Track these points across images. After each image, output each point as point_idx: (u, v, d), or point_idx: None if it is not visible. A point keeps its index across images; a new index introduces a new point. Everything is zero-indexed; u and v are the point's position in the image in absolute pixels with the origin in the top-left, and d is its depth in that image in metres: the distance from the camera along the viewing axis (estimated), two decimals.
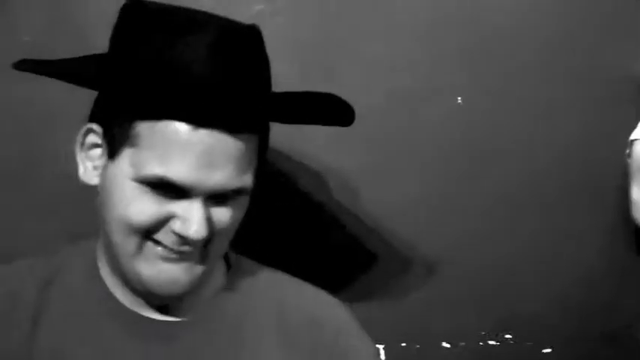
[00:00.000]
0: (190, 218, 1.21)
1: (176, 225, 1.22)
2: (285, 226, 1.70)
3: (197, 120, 1.16)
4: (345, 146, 1.68)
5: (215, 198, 1.23)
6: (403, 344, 1.74)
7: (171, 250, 1.24)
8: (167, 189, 1.20)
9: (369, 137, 1.67)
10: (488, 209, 1.75)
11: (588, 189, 1.78)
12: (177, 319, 1.36)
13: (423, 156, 1.71)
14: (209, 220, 1.23)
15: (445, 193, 1.73)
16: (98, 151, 1.29)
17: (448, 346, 1.74)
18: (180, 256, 1.25)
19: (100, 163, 1.28)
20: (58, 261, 1.40)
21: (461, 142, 1.71)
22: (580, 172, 1.76)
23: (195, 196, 1.21)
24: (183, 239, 1.22)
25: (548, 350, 1.77)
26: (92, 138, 1.29)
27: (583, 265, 1.80)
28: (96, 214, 1.29)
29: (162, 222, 1.23)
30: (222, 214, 1.25)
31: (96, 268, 1.37)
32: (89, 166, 1.31)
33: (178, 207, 1.22)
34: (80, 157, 1.31)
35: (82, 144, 1.30)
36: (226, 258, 1.44)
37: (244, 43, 1.25)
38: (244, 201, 1.28)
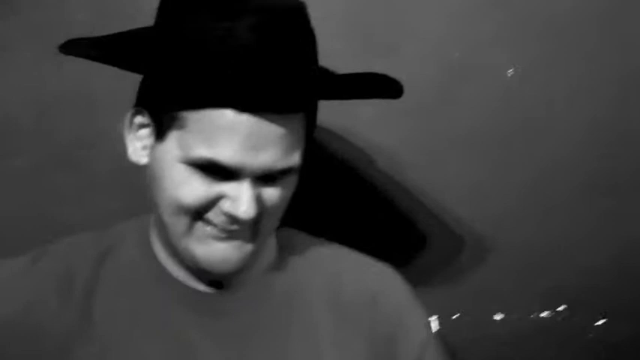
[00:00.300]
0: (239, 199, 1.22)
1: (225, 205, 1.23)
2: (334, 203, 1.72)
3: (244, 106, 1.17)
4: (392, 122, 1.67)
5: (263, 178, 1.23)
6: (456, 316, 1.75)
7: (221, 229, 1.25)
8: (215, 171, 1.21)
9: (416, 113, 1.66)
10: (538, 182, 1.74)
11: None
12: (230, 294, 1.39)
13: (472, 131, 1.71)
14: (258, 200, 1.23)
15: (495, 166, 1.73)
16: (146, 131, 1.30)
17: (501, 317, 1.73)
18: (231, 235, 1.26)
19: (148, 142, 1.30)
20: (112, 236, 1.43)
21: (511, 116, 1.70)
22: (627, 146, 1.72)
23: (243, 177, 1.22)
24: (232, 219, 1.24)
25: (602, 321, 1.76)
26: (140, 119, 1.30)
27: (634, 236, 1.75)
28: (147, 192, 1.31)
29: (212, 202, 1.24)
30: (271, 194, 1.26)
31: (149, 243, 1.40)
32: (138, 145, 1.32)
33: (227, 188, 1.23)
34: (129, 137, 1.33)
35: (130, 125, 1.31)
36: (278, 232, 1.45)
37: (289, 23, 1.24)
38: (293, 180, 1.29)
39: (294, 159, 1.25)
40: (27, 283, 1.35)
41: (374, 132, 1.69)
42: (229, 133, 1.19)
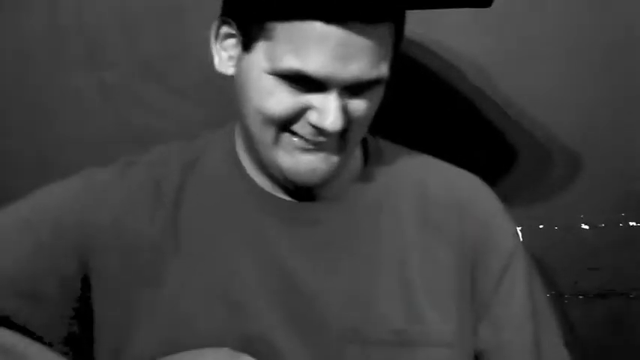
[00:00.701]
0: (326, 110, 1.23)
1: (312, 117, 1.24)
2: (421, 114, 1.73)
3: (333, 16, 1.16)
4: (478, 32, 1.67)
5: (350, 89, 1.23)
6: (541, 226, 1.74)
7: (307, 140, 1.27)
8: (303, 82, 1.22)
9: (505, 20, 1.66)
10: (629, 89, 1.73)
11: None
12: (318, 204, 1.41)
13: (560, 38, 1.69)
14: (344, 112, 1.24)
15: (584, 74, 1.71)
16: (232, 41, 1.31)
17: (587, 227, 1.72)
18: (318, 147, 1.28)
19: (234, 53, 1.31)
20: (198, 146, 1.46)
21: (603, 23, 1.67)
22: None
23: (331, 88, 1.22)
24: (319, 131, 1.25)
25: None
26: (226, 29, 1.31)
27: None
28: (235, 103, 1.32)
29: (299, 114, 1.25)
30: (358, 105, 1.26)
31: (235, 153, 1.43)
32: (224, 56, 1.33)
33: (314, 99, 1.24)
34: (215, 48, 1.34)
35: (217, 35, 1.32)
36: (364, 142, 1.46)
37: None
38: (379, 91, 1.28)
39: (382, 70, 1.24)
40: (117, 192, 1.40)
41: (462, 42, 1.68)
42: (318, 43, 1.18)
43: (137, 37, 1.71)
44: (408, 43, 1.58)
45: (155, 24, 1.70)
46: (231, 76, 1.32)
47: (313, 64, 1.20)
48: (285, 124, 1.27)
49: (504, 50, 1.68)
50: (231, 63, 1.32)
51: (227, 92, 1.35)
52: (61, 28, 1.72)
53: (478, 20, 1.64)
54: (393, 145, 1.47)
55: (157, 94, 1.74)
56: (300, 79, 1.21)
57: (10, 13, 1.73)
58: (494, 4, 1.19)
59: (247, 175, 1.40)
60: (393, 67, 1.25)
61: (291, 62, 1.20)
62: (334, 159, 1.30)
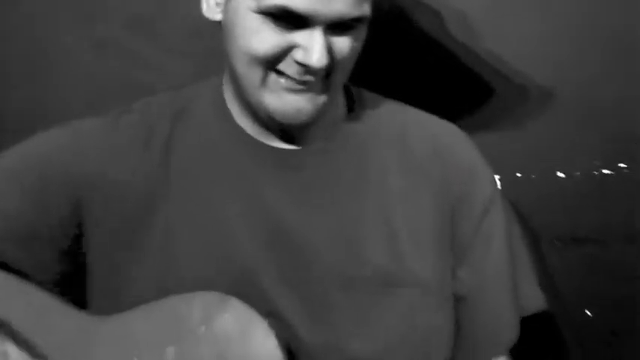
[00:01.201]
0: (311, 47, 1.26)
1: (298, 54, 1.27)
2: (402, 63, 1.78)
3: None
4: None
5: (334, 28, 1.26)
6: (519, 174, 1.79)
7: (293, 80, 1.30)
8: (288, 19, 1.24)
9: None
10: (606, 43, 1.75)
11: None
12: (303, 149, 1.45)
13: None
14: (329, 50, 1.27)
15: (558, 34, 1.77)
16: None
17: (563, 175, 1.77)
18: (304, 88, 1.31)
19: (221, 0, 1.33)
20: (186, 96, 1.50)
21: None
22: None
23: (315, 25, 1.25)
24: (305, 69, 1.28)
25: None
26: None
27: None
28: (221, 50, 1.36)
29: (285, 52, 1.28)
30: (342, 44, 1.29)
31: (222, 101, 1.46)
32: (211, 2, 1.37)
33: (299, 37, 1.26)
34: None
35: None
36: (347, 91, 1.50)
37: None
38: (362, 32, 1.32)
39: (365, 9, 1.27)
40: (106, 141, 1.43)
41: None
42: None
43: None
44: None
45: None
46: (218, 23, 1.36)
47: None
48: (271, 64, 1.29)
49: (487, 5, 1.73)
50: (219, 9, 1.35)
51: (214, 45, 1.40)
52: None
53: None
54: (375, 95, 1.50)
55: (148, 48, 1.80)
56: (285, 15, 1.24)
57: None
58: None
59: (235, 123, 1.43)
60: (376, 15, 1.30)
61: None
62: (319, 99, 1.33)
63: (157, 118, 1.45)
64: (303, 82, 1.30)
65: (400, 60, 1.76)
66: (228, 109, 1.45)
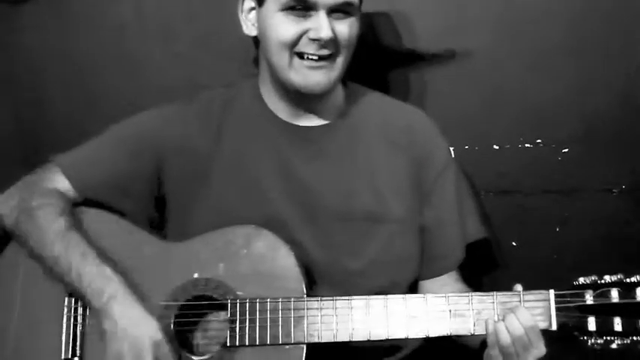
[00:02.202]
0: (320, 25, 1.41)
1: (311, 33, 1.43)
2: (385, 64, 1.86)
3: None
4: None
5: (334, 12, 1.41)
6: (466, 147, 1.91)
7: (311, 58, 1.43)
8: (300, 8, 1.40)
9: None
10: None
11: None
12: (315, 127, 1.55)
13: None
14: (333, 31, 1.41)
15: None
16: (253, 13, 1.50)
17: (497, 147, 1.91)
18: (319, 65, 1.44)
19: (255, 19, 1.50)
20: (234, 90, 1.63)
21: None
22: None
23: (319, 9, 1.41)
24: (318, 42, 1.42)
25: (566, 150, 1.88)
26: (248, 4, 1.51)
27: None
28: (260, 52, 1.51)
29: (302, 34, 1.43)
30: (342, 28, 1.44)
31: (259, 94, 1.59)
32: (249, 24, 1.53)
33: (310, 22, 1.42)
34: (242, 19, 1.54)
35: (242, 10, 1.52)
36: (345, 84, 1.62)
37: None
38: (356, 23, 1.47)
39: None
40: (183, 118, 1.58)
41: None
42: None
43: (197, 19, 1.90)
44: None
45: (210, 9, 1.87)
46: (255, 38, 1.51)
47: None
48: (294, 45, 1.43)
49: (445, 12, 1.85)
50: (254, 27, 1.53)
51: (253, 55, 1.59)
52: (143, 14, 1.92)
53: None
54: (365, 88, 1.73)
55: (210, 58, 1.90)
56: (296, 4, 1.40)
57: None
58: None
59: (268, 108, 1.60)
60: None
61: None
62: (331, 75, 1.48)
63: (213, 105, 1.61)
64: (319, 58, 1.43)
65: (383, 62, 1.88)
66: (263, 99, 1.59)
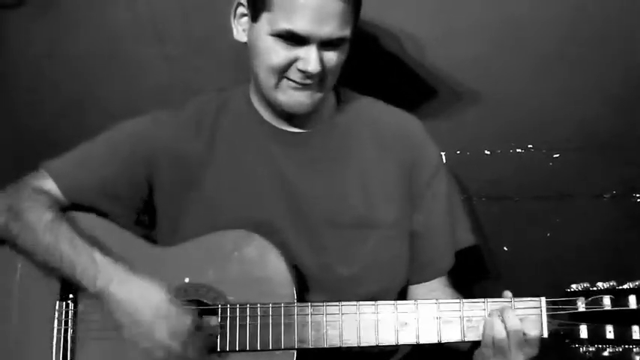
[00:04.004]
0: (309, 58, 1.39)
1: (300, 64, 1.40)
2: (375, 70, 1.85)
3: None
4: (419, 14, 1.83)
5: (325, 45, 1.40)
6: (458, 152, 1.89)
7: (297, 83, 1.42)
8: (292, 39, 1.38)
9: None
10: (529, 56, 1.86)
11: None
12: (305, 132, 1.53)
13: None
14: (321, 60, 1.40)
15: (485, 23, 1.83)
16: (245, 18, 1.47)
17: (489, 153, 1.90)
18: (304, 87, 1.43)
19: (246, 26, 1.47)
20: (226, 95, 1.61)
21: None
22: None
23: (311, 42, 1.38)
24: (305, 74, 1.40)
25: (557, 155, 1.86)
26: (241, 9, 1.49)
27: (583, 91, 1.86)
28: (249, 61, 1.48)
29: (291, 63, 1.41)
30: (331, 57, 1.42)
31: (249, 99, 1.57)
32: (240, 29, 1.49)
33: (301, 51, 1.40)
34: (234, 23, 1.51)
35: (235, 15, 1.49)
36: (336, 90, 1.60)
37: None
38: (345, 49, 1.46)
39: (347, 32, 1.41)
40: (176, 123, 1.55)
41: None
42: (302, 9, 1.35)
43: (192, 26, 1.86)
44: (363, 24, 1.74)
45: (204, 14, 1.85)
46: (245, 44, 1.48)
47: (299, 24, 1.36)
48: (282, 71, 1.42)
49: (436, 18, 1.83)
50: (244, 34, 1.50)
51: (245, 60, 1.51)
52: (136, 17, 1.89)
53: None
54: (357, 94, 1.73)
55: (207, 63, 1.88)
56: (290, 36, 1.38)
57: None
58: None
59: (258, 113, 1.58)
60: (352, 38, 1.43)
61: (284, 24, 1.37)
62: (315, 96, 1.47)
63: (205, 110, 1.59)
64: (304, 84, 1.42)
65: (373, 68, 1.86)
66: (253, 105, 1.57)
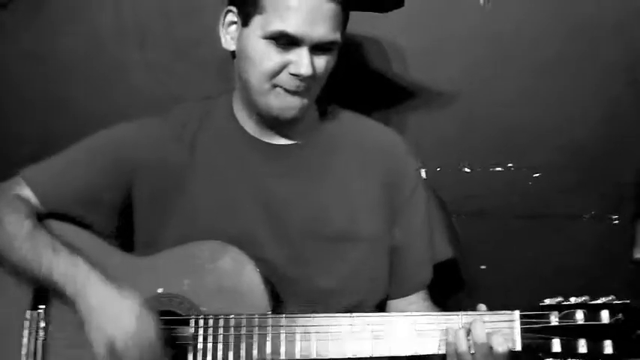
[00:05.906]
0: (301, 61, 1.39)
1: (292, 68, 1.40)
2: (359, 85, 1.85)
3: None
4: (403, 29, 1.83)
5: (316, 49, 1.40)
6: (438, 169, 1.88)
7: (289, 89, 1.41)
8: (285, 41, 1.38)
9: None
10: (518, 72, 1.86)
11: None
12: (287, 144, 1.53)
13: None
14: (312, 65, 1.40)
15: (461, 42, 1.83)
16: (234, 27, 1.47)
17: (469, 170, 1.88)
18: (295, 93, 1.41)
19: (235, 34, 1.47)
20: (209, 104, 1.60)
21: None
22: None
23: (303, 45, 1.38)
24: (297, 77, 1.40)
25: (537, 175, 1.86)
26: (230, 17, 1.48)
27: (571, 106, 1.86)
28: (236, 68, 1.47)
29: (283, 67, 1.40)
30: (320, 63, 1.43)
31: (232, 110, 1.56)
32: (228, 38, 1.49)
33: (293, 55, 1.39)
34: (222, 32, 1.50)
35: (223, 23, 1.49)
36: (321, 104, 1.58)
37: None
38: (334, 56, 1.46)
39: (337, 35, 1.42)
40: (158, 133, 1.54)
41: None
42: (296, 11, 1.35)
43: (174, 29, 1.86)
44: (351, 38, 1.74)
45: (188, 20, 1.85)
46: (232, 52, 1.48)
47: (292, 25, 1.36)
48: (274, 76, 1.40)
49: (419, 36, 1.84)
50: (233, 42, 1.49)
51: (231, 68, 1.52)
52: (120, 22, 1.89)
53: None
54: (339, 108, 1.72)
55: (189, 71, 1.87)
56: (283, 38, 1.38)
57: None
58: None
59: (239, 124, 1.57)
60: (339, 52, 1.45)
61: (277, 25, 1.37)
62: (304, 101, 1.46)
63: (188, 119, 1.59)
64: (295, 90, 1.41)
65: (355, 82, 1.85)
66: (235, 115, 1.57)
